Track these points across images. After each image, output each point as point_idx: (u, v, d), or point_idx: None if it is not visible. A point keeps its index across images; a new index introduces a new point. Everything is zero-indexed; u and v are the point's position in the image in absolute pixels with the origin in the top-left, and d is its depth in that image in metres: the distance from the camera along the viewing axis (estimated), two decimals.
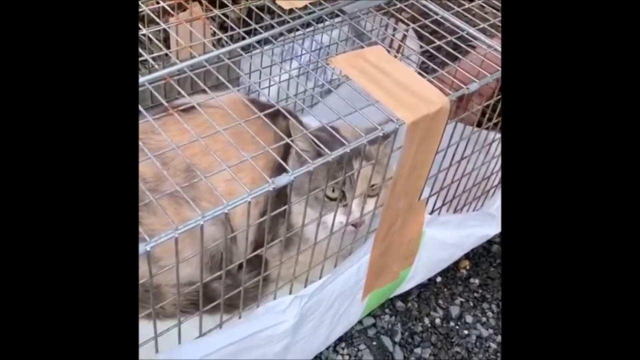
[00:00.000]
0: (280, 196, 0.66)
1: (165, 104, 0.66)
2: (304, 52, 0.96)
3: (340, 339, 0.88)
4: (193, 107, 0.69)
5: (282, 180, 0.55)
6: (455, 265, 1.00)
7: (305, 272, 0.71)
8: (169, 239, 0.52)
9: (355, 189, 0.72)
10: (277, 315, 0.66)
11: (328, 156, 0.59)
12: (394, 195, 0.71)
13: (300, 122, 0.71)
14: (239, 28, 0.82)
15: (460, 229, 0.85)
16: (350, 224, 0.74)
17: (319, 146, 0.62)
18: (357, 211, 0.74)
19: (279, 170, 0.64)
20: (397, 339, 0.90)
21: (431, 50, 0.80)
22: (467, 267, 1.01)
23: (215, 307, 0.69)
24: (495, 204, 0.91)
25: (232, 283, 0.77)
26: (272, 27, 0.84)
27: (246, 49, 0.87)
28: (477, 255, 1.03)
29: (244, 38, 0.83)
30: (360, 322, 0.90)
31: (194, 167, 0.76)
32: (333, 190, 0.75)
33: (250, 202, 0.54)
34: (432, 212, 0.86)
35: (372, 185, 0.74)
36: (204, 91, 0.71)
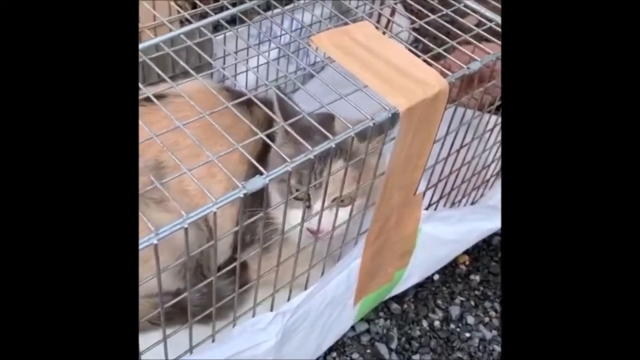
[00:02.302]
0: (258, 193, 0.58)
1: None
2: (283, 32, 0.86)
3: (330, 348, 0.80)
4: (159, 97, 0.60)
5: (255, 184, 0.46)
6: (454, 260, 0.92)
7: (288, 283, 0.63)
8: (147, 245, 0.43)
9: (322, 193, 0.60)
10: (257, 334, 0.58)
11: (310, 152, 0.50)
12: (387, 190, 0.62)
13: (290, 107, 0.62)
14: (207, 4, 0.72)
15: (462, 224, 0.77)
16: (308, 230, 0.63)
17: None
18: (326, 219, 0.62)
19: (259, 162, 0.56)
20: (394, 345, 0.82)
21: (425, 26, 0.70)
22: (467, 263, 0.93)
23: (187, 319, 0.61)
24: (495, 196, 0.83)
25: (208, 291, 0.69)
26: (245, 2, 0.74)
27: (220, 28, 0.78)
28: (477, 249, 0.95)
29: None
30: (352, 328, 0.82)
31: (162, 164, 0.68)
32: (297, 190, 0.64)
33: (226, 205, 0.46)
34: (428, 207, 0.78)
35: (341, 197, 0.63)
36: (173, 78, 0.62)
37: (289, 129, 0.53)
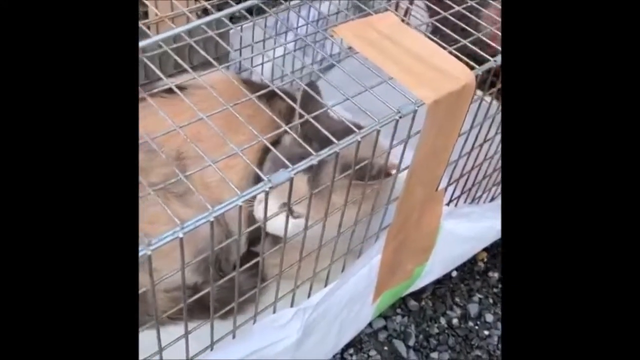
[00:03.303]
0: None
1: (141, 86, 0.56)
2: (301, 23, 0.85)
3: (347, 345, 0.78)
4: (180, 89, 0.59)
5: (280, 177, 0.45)
6: (472, 257, 0.90)
7: (309, 278, 0.62)
8: (172, 239, 0.42)
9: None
10: (277, 331, 0.56)
11: (336, 146, 0.49)
12: (411, 185, 0.61)
13: (318, 101, 0.60)
14: None
15: (483, 220, 0.76)
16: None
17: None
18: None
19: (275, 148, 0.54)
20: (411, 342, 0.81)
21: (442, 12, 0.68)
22: (485, 259, 0.92)
23: (209, 312, 0.60)
24: None
25: (228, 285, 0.68)
26: None
27: (235, 20, 0.76)
28: (496, 246, 0.93)
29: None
30: (369, 324, 0.81)
31: (184, 155, 0.67)
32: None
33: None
34: (448, 203, 0.76)
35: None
36: (192, 69, 0.61)
37: (294, 134, 0.52)
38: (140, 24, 0.64)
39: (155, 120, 0.62)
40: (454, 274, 0.89)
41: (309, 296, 0.62)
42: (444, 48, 0.59)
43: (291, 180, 0.46)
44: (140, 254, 0.41)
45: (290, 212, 0.59)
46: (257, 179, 0.72)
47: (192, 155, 0.66)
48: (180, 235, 0.41)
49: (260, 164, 0.68)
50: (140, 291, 0.49)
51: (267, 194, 0.45)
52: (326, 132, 0.49)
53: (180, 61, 0.57)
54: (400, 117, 0.53)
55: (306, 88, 0.61)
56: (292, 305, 0.60)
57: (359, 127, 0.54)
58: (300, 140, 0.49)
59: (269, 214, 0.49)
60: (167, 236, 0.41)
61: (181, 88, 0.60)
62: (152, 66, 0.56)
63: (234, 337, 0.56)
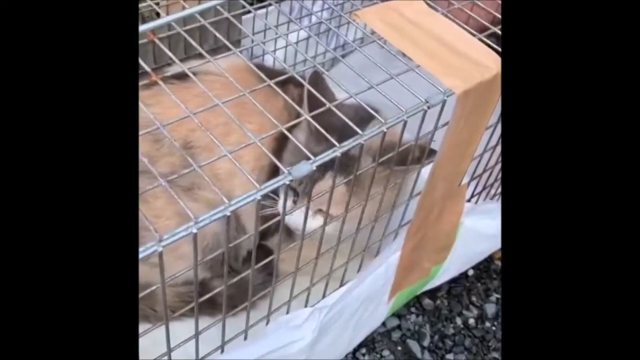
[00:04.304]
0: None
1: (150, 71, 0.52)
2: (317, 8, 0.81)
3: (360, 344, 0.76)
4: (187, 76, 0.56)
5: (301, 170, 0.42)
6: (489, 256, 0.87)
7: (325, 276, 0.58)
8: (186, 235, 0.39)
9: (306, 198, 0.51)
10: (292, 331, 0.53)
11: (360, 137, 0.46)
12: (433, 180, 0.58)
13: (326, 90, 0.57)
14: None
15: None
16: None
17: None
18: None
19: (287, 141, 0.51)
20: (426, 343, 0.78)
21: None
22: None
23: (216, 309, 0.58)
24: None
25: (238, 282, 0.65)
26: None
27: (250, 3, 0.73)
28: None
29: None
30: (383, 323, 0.78)
31: (191, 144, 0.64)
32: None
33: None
34: (470, 199, 0.73)
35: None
36: (201, 55, 0.57)
37: (336, 110, 0.48)
38: (151, 3, 0.60)
39: (162, 108, 0.59)
40: (471, 272, 0.86)
41: (324, 295, 0.59)
42: (474, 35, 0.55)
43: (313, 173, 0.43)
44: (151, 250, 0.37)
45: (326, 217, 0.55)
46: (270, 172, 0.69)
47: (201, 144, 0.63)
48: (194, 230, 0.38)
49: (274, 155, 0.65)
50: (149, 290, 0.46)
51: (287, 187, 0.42)
52: (350, 123, 0.45)
53: (194, 43, 0.54)
54: (429, 108, 0.49)
55: (313, 77, 0.57)
56: (306, 305, 0.57)
57: (374, 116, 0.50)
58: (323, 131, 0.45)
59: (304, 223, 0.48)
60: (180, 231, 0.38)
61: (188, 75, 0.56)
62: (165, 48, 0.53)
63: (245, 338, 0.53)
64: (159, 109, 0.60)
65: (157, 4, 0.65)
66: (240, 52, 0.85)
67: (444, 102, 0.50)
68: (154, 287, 0.45)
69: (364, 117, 0.54)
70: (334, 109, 0.48)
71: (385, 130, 0.47)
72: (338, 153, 0.44)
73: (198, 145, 0.62)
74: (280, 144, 0.65)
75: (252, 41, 0.85)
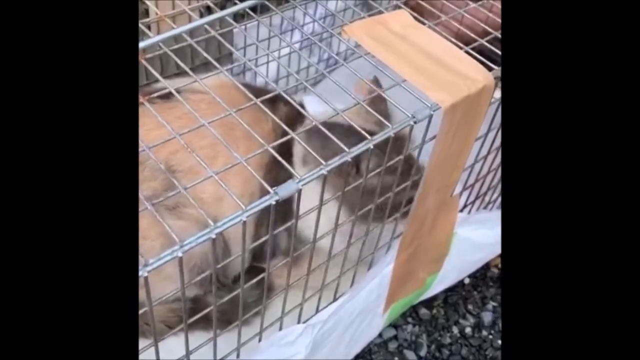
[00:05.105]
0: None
1: (137, 90, 0.52)
2: (308, 20, 0.82)
3: (356, 356, 0.75)
4: (172, 95, 0.55)
5: (288, 189, 0.42)
6: (486, 263, 0.87)
7: (317, 292, 0.58)
8: (171, 259, 0.39)
9: None
10: (286, 348, 0.53)
11: (346, 154, 0.46)
12: (425, 191, 0.58)
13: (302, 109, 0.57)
14: None
15: (499, 227, 0.72)
16: None
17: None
18: None
19: (276, 166, 0.50)
20: (423, 352, 0.78)
21: (458, 10, 0.65)
22: (499, 265, 0.89)
23: (210, 323, 0.57)
24: None
25: (232, 297, 0.65)
26: None
27: (239, 19, 0.73)
28: None
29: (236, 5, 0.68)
30: (379, 334, 0.78)
31: (174, 168, 0.62)
32: None
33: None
34: (462, 209, 0.73)
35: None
36: (193, 70, 0.57)
37: (322, 128, 0.48)
38: (140, 23, 0.60)
39: (143, 130, 0.58)
40: (467, 280, 0.86)
41: (316, 311, 0.59)
42: (461, 48, 0.56)
43: (299, 192, 0.43)
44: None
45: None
46: (259, 197, 0.68)
47: (183, 168, 0.62)
48: (180, 254, 0.38)
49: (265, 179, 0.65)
50: (141, 311, 0.46)
51: (273, 207, 0.42)
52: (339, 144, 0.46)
53: (181, 63, 0.54)
54: (415, 123, 0.49)
55: (286, 96, 0.58)
56: (299, 321, 0.57)
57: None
58: (333, 137, 0.46)
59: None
60: (166, 256, 0.38)
61: (173, 94, 0.56)
62: (151, 69, 0.53)
63: (238, 355, 0.53)
64: (140, 131, 0.59)
65: (149, 27, 0.65)
66: (232, 66, 0.86)
67: (430, 117, 0.50)
68: (142, 310, 0.45)
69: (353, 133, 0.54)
70: (320, 126, 0.48)
71: (371, 147, 0.47)
72: (349, 157, 0.45)
73: (180, 169, 0.61)
74: (270, 169, 0.64)
75: (245, 53, 0.86)
